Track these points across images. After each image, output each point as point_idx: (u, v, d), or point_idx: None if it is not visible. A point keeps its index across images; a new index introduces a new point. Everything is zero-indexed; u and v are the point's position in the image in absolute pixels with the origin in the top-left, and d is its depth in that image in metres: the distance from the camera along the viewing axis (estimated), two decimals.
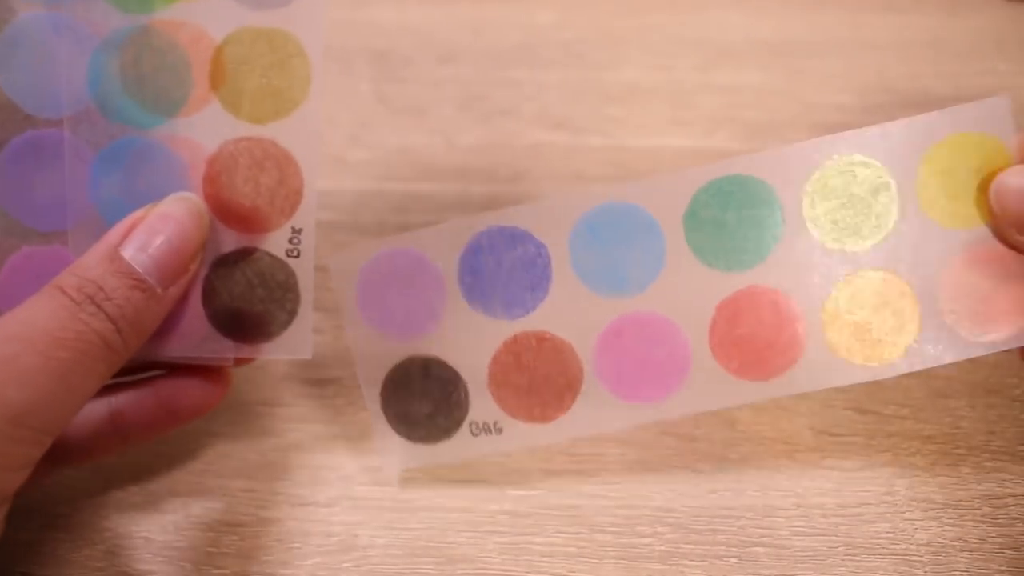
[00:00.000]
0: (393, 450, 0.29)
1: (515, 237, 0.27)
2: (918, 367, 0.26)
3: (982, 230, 0.26)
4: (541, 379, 0.27)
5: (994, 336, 0.26)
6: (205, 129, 0.26)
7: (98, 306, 0.23)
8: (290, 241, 0.26)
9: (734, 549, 0.28)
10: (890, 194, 0.26)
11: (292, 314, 0.27)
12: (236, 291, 0.26)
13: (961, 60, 0.41)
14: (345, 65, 0.42)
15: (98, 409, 0.27)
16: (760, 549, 0.28)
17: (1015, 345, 0.26)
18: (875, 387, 0.31)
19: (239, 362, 0.27)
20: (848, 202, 0.26)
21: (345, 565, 0.28)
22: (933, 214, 0.26)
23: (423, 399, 0.28)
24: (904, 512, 0.28)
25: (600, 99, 0.40)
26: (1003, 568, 0.27)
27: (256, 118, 0.26)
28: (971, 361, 0.31)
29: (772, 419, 0.30)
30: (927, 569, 0.27)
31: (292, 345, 0.27)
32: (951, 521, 0.28)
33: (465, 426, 0.28)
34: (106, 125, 0.26)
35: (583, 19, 0.44)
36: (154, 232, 0.24)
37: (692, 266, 0.27)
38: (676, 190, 0.26)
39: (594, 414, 0.28)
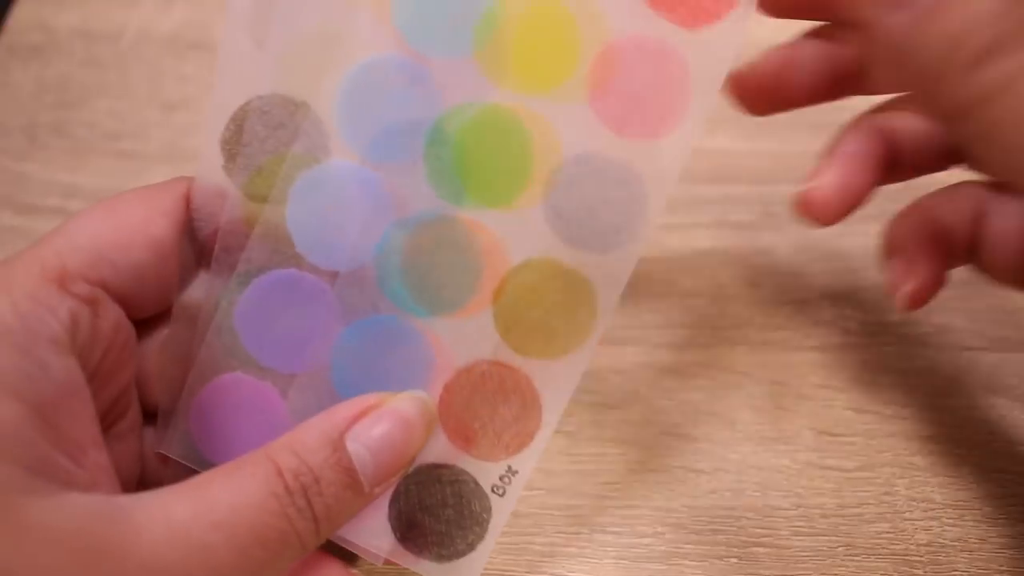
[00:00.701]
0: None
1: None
2: None
3: None
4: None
5: None
6: (466, 338, 0.24)
7: (309, 502, 0.21)
8: (501, 479, 0.25)
9: (734, 549, 0.28)
10: None
11: (471, 547, 0.25)
12: (428, 502, 0.25)
13: None
14: None
15: None
16: (760, 549, 0.28)
17: None
18: (875, 387, 0.31)
19: (388, 562, 0.25)
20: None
21: None
22: None
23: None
24: (904, 512, 0.28)
25: None
26: (1003, 568, 0.27)
27: (521, 348, 0.24)
28: (971, 361, 0.31)
29: (772, 419, 0.30)
30: (927, 569, 0.27)
31: (454, 574, 0.25)
32: (951, 521, 0.28)
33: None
34: (375, 295, 0.24)
35: None
36: (384, 430, 0.22)
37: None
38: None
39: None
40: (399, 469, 0.23)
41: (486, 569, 0.27)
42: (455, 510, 0.25)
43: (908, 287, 0.25)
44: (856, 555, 0.27)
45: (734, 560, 0.28)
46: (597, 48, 0.23)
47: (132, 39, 0.41)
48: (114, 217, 0.24)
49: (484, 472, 0.25)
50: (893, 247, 0.26)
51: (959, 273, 0.33)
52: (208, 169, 0.25)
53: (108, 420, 0.24)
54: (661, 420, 0.31)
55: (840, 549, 0.28)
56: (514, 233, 0.24)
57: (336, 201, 0.24)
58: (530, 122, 0.24)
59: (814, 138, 0.38)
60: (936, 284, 0.25)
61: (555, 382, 0.24)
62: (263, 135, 0.25)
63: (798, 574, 0.27)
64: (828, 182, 0.25)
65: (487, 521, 0.25)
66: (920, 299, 0.25)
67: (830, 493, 0.29)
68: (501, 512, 0.25)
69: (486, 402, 0.24)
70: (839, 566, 0.27)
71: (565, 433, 0.30)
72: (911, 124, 0.26)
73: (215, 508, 0.20)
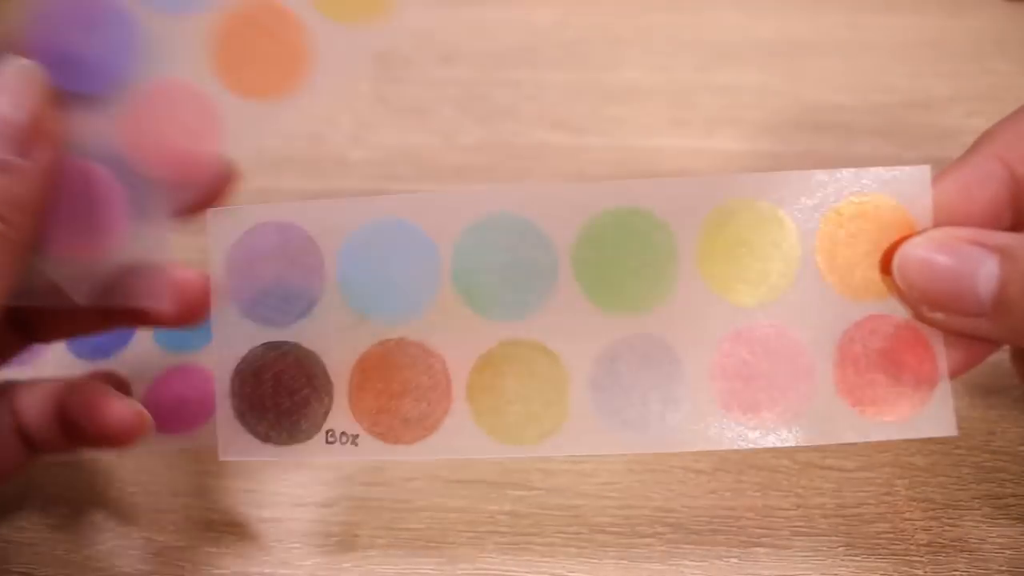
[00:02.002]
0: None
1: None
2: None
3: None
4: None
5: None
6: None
7: None
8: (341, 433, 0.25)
9: (734, 549, 0.28)
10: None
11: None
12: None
13: (961, 60, 0.41)
14: None
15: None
16: (760, 549, 0.28)
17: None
18: None
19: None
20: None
21: (345, 565, 0.28)
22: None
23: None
24: (904, 512, 0.28)
25: (600, 99, 0.40)
26: (1003, 568, 0.27)
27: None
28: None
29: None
30: (927, 569, 0.27)
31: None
32: (951, 521, 0.28)
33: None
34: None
35: (583, 19, 0.44)
36: None
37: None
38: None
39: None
40: (35, 126, 0.23)
41: (486, 569, 0.27)
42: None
43: None
44: (856, 555, 0.27)
45: (734, 560, 0.28)
46: None
47: None
48: None
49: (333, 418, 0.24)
50: None
51: None
52: None
53: None
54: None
55: (840, 549, 0.28)
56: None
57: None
58: None
59: (814, 138, 0.38)
60: None
61: None
62: None
63: (798, 574, 0.27)
64: None
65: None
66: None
67: (830, 493, 0.29)
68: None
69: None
70: (839, 566, 0.27)
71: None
72: None
73: None
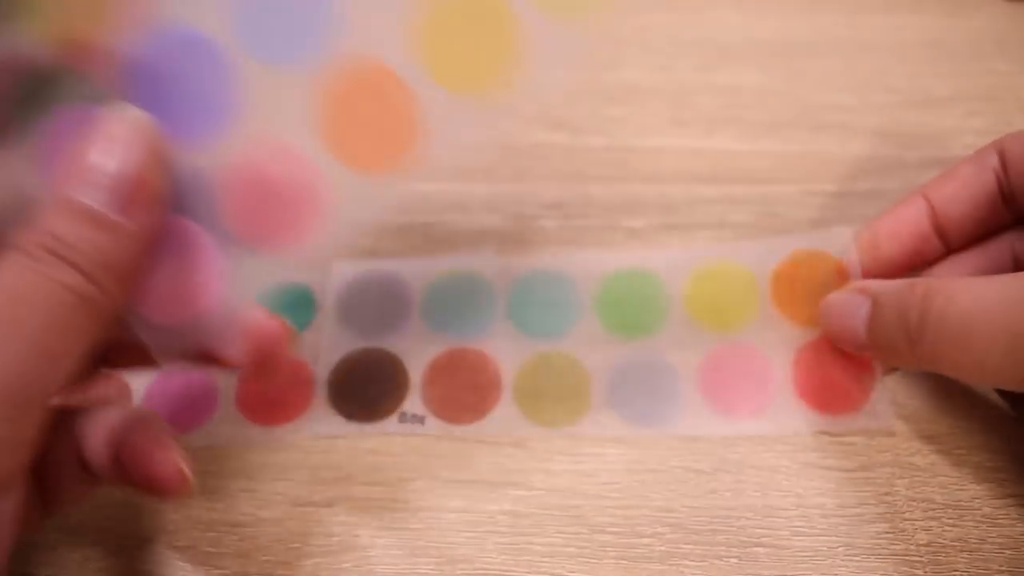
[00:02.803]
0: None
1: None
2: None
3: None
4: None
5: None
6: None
7: (60, 257, 0.20)
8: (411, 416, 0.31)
9: (734, 549, 0.28)
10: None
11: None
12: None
13: (961, 60, 0.41)
14: None
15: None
16: (760, 549, 0.28)
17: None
18: None
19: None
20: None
21: (345, 565, 0.28)
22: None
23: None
24: (904, 512, 0.28)
25: (600, 99, 0.40)
26: (1003, 568, 0.27)
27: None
28: None
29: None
30: (927, 569, 0.27)
31: None
32: (951, 521, 0.28)
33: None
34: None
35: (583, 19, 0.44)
36: (101, 162, 0.21)
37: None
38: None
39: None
40: (140, 186, 0.22)
41: (486, 569, 0.27)
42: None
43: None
44: (856, 555, 0.27)
45: (734, 560, 0.28)
46: None
47: None
48: None
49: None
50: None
51: None
52: None
53: None
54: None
55: (840, 549, 0.28)
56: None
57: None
58: None
59: (814, 138, 0.38)
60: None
61: None
62: None
63: (798, 574, 0.27)
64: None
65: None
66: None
67: (830, 493, 0.29)
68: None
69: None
70: (839, 566, 0.27)
71: (565, 433, 0.30)
72: (958, 200, 0.30)
73: None
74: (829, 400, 0.30)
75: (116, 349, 0.25)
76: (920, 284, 0.27)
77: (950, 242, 0.30)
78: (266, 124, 0.23)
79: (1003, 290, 0.24)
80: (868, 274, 0.30)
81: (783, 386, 0.31)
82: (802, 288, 0.32)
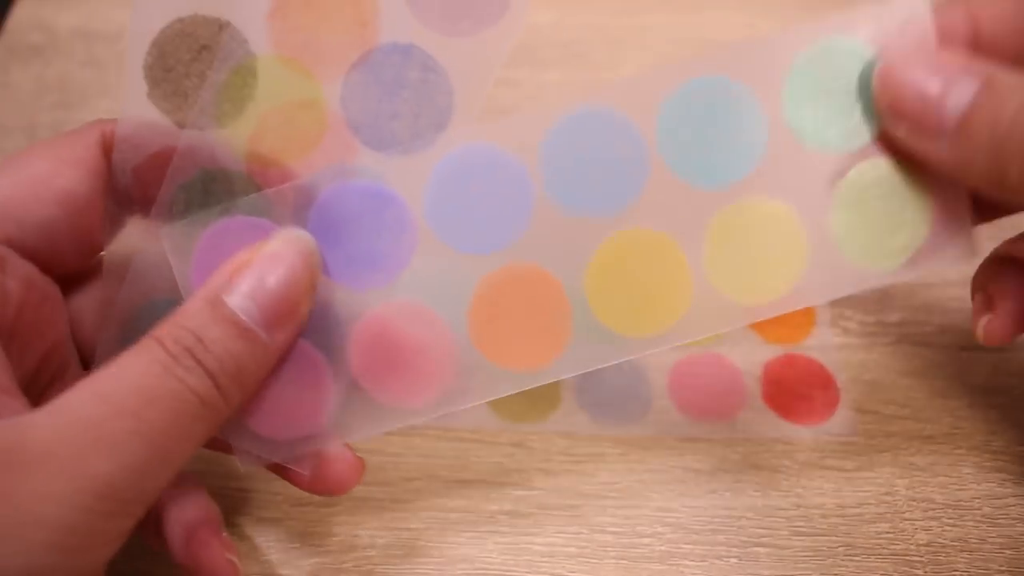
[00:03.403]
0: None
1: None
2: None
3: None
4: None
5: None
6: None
7: (197, 360, 0.21)
8: None
9: (734, 549, 0.28)
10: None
11: None
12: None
13: None
14: None
15: None
16: (760, 549, 0.28)
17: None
18: (875, 387, 0.31)
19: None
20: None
21: (345, 565, 0.28)
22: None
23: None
24: (904, 512, 0.28)
25: None
26: (1003, 568, 0.27)
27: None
28: (971, 361, 0.31)
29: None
30: (927, 569, 0.27)
31: None
32: (951, 521, 0.28)
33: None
34: None
35: (583, 19, 0.44)
36: (261, 276, 0.22)
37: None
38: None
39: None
40: (290, 307, 0.22)
41: (486, 570, 0.27)
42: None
43: (984, 321, 0.25)
44: (856, 555, 0.27)
45: (734, 560, 0.28)
46: None
47: None
48: (17, 173, 0.23)
49: None
50: (976, 285, 0.26)
51: (958, 273, 0.33)
52: (133, 99, 0.24)
53: (43, 378, 0.24)
54: (661, 420, 0.31)
55: (840, 549, 0.28)
56: None
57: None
58: None
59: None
60: (1018, 321, 0.25)
61: None
62: (187, 58, 0.24)
63: (798, 574, 0.27)
64: (1000, 324, 0.25)
65: None
66: (997, 334, 0.25)
67: (830, 493, 0.29)
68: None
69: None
70: (839, 566, 0.27)
71: (565, 433, 0.30)
72: (1003, 16, 0.23)
73: (100, 382, 0.20)
74: (795, 407, 0.30)
75: None
76: None
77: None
78: (422, 293, 0.24)
79: None
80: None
81: (753, 394, 0.30)
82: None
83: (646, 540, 0.28)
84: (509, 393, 0.25)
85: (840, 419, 0.30)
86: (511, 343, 0.24)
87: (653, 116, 0.24)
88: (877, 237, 0.24)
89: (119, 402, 0.20)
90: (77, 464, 0.19)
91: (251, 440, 0.24)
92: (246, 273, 0.22)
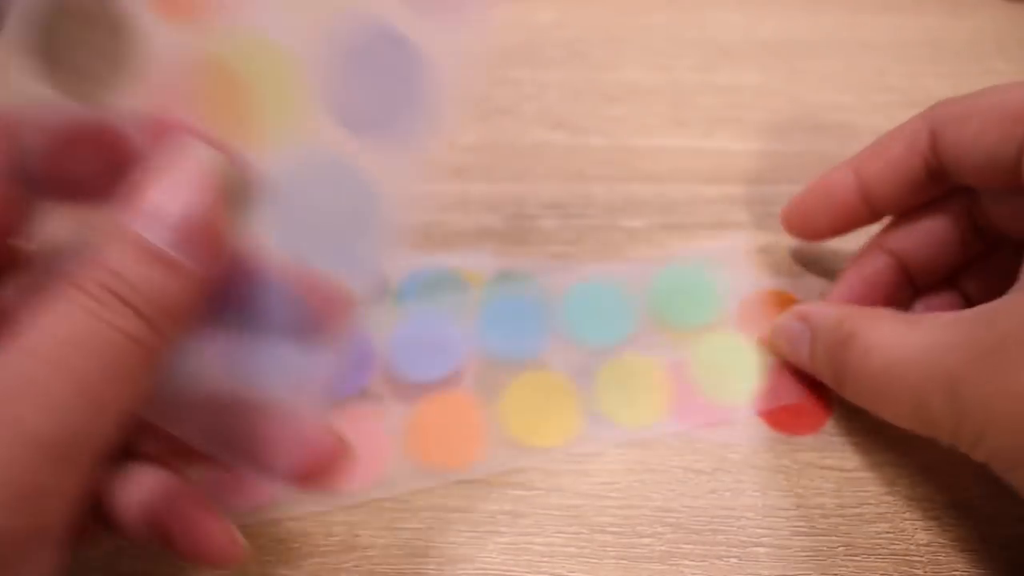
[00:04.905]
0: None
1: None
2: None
3: None
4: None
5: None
6: None
7: (121, 299, 0.19)
8: None
9: (734, 549, 0.28)
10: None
11: None
12: None
13: (961, 60, 0.41)
14: None
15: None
16: (760, 549, 0.28)
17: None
18: None
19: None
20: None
21: (345, 565, 0.28)
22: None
23: None
24: (904, 512, 0.28)
25: (600, 99, 0.40)
26: (1003, 568, 0.27)
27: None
28: None
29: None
30: (927, 569, 0.27)
31: None
32: (951, 521, 0.28)
33: None
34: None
35: (584, 19, 0.44)
36: (166, 195, 0.20)
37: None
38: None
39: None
40: (208, 227, 0.21)
41: (486, 570, 0.27)
42: None
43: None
44: (856, 555, 0.27)
45: (734, 560, 0.28)
46: None
47: None
48: None
49: None
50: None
51: None
52: (22, 80, 0.22)
53: None
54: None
55: (840, 549, 0.28)
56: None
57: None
58: None
59: (814, 138, 0.38)
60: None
61: None
62: (74, 31, 0.22)
63: (798, 574, 0.27)
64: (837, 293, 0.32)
65: None
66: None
67: (830, 493, 0.29)
68: None
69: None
70: (839, 566, 0.27)
71: (561, 455, 0.30)
72: (921, 245, 0.30)
73: (27, 341, 0.19)
74: (787, 420, 0.30)
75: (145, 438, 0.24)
76: (847, 322, 0.28)
77: (877, 211, 0.31)
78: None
79: (911, 349, 0.25)
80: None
81: (747, 409, 0.31)
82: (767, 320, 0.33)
83: (646, 540, 0.28)
84: (430, 485, 0.29)
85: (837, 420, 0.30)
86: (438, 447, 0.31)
87: (562, 296, 0.34)
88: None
89: (47, 354, 0.19)
90: (11, 421, 0.18)
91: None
92: (151, 201, 0.20)
